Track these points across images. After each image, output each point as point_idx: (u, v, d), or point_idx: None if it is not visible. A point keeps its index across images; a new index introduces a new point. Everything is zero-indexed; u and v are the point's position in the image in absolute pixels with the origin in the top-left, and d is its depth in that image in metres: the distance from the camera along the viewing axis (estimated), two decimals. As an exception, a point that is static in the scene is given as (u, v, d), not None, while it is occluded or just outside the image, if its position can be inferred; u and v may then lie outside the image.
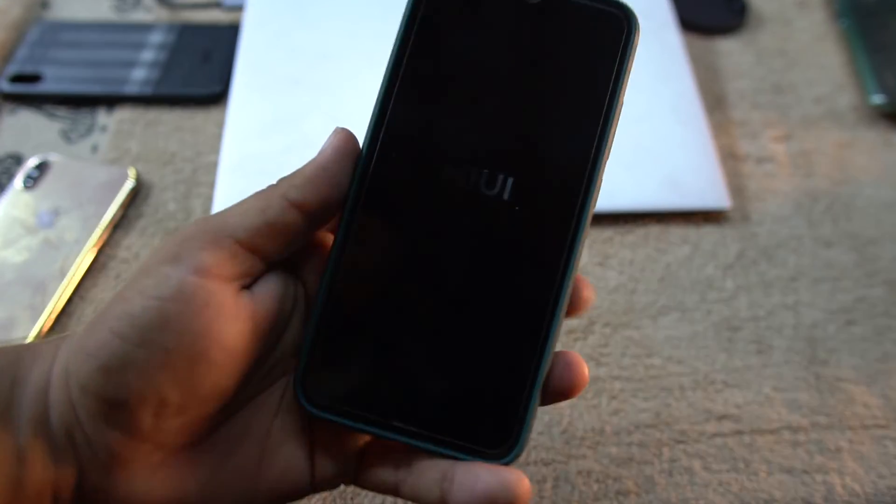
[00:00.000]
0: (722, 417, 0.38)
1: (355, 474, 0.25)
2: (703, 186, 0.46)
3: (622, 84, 0.25)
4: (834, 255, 0.45)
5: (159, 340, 0.21)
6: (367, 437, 0.26)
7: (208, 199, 0.47)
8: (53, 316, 0.41)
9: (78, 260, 0.43)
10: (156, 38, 0.55)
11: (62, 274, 0.42)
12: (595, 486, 0.35)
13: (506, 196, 0.24)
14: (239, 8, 0.58)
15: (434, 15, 0.25)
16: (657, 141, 0.48)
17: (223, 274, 0.22)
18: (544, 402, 0.25)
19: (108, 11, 0.59)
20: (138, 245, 0.45)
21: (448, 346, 0.24)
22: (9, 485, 0.21)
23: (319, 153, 0.25)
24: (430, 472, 0.23)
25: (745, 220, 0.47)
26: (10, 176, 0.48)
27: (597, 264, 0.44)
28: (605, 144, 0.25)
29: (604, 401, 0.38)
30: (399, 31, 0.26)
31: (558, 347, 0.25)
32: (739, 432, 0.37)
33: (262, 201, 0.24)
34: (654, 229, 0.46)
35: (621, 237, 0.46)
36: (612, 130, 0.25)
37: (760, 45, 0.57)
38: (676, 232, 0.46)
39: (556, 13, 0.25)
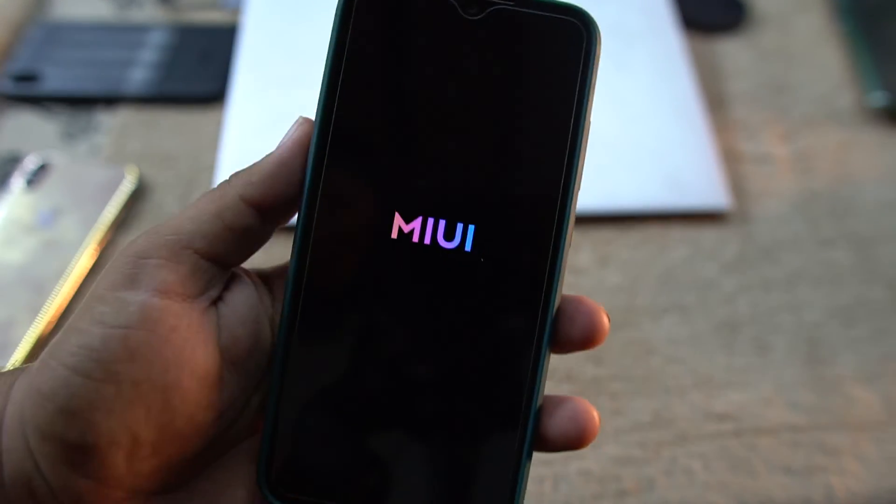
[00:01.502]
0: (722, 417, 0.38)
1: None
2: (703, 186, 0.46)
3: (587, 102, 0.21)
4: (834, 255, 0.45)
5: (127, 373, 0.19)
6: None
7: (208, 199, 0.47)
8: (53, 316, 0.41)
9: (78, 260, 0.43)
10: (156, 38, 0.55)
11: (62, 274, 0.42)
12: (595, 486, 0.35)
13: (468, 247, 0.21)
14: (239, 8, 0.58)
15: (364, 39, 0.21)
16: (657, 141, 0.48)
17: (188, 292, 0.20)
18: (547, 451, 0.22)
19: (108, 11, 0.59)
20: (138, 245, 0.45)
21: (418, 427, 0.21)
22: None
23: (278, 146, 0.22)
24: None
25: (745, 220, 0.47)
26: (10, 176, 0.48)
27: (597, 264, 0.44)
28: (575, 174, 0.21)
29: (604, 401, 0.38)
30: (326, 63, 0.22)
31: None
32: (739, 432, 0.37)
33: (217, 203, 0.21)
34: (654, 229, 0.46)
35: (621, 237, 0.46)
36: (582, 157, 0.21)
37: (760, 45, 0.57)
38: (676, 232, 0.46)
39: (504, 28, 0.21)
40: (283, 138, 0.22)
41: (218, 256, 0.21)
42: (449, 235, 0.21)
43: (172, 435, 0.20)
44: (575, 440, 0.21)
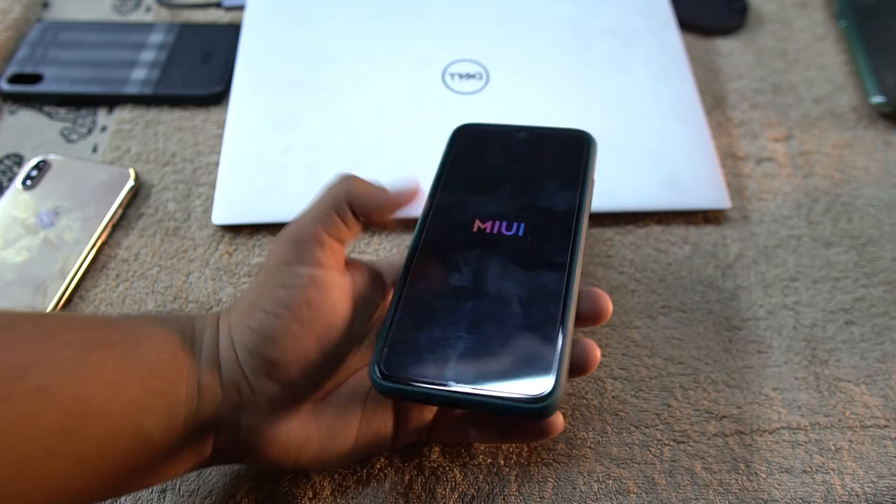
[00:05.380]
0: (722, 417, 0.38)
1: (427, 435, 0.34)
2: (703, 186, 0.46)
3: (591, 167, 0.36)
4: (834, 255, 0.45)
5: (306, 316, 0.29)
6: (435, 410, 0.34)
7: (208, 199, 0.47)
8: (53, 316, 0.41)
9: (78, 260, 0.43)
10: (156, 38, 0.55)
11: (62, 274, 0.42)
12: (595, 487, 0.35)
13: (520, 234, 0.33)
14: (239, 8, 0.58)
15: (462, 146, 0.38)
16: (657, 141, 0.48)
17: (331, 263, 0.30)
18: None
19: (108, 11, 0.59)
20: (138, 245, 0.45)
21: (489, 326, 0.30)
22: (191, 414, 0.28)
23: (397, 191, 0.32)
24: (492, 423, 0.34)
25: (745, 220, 0.47)
26: (10, 176, 0.48)
27: (597, 264, 0.44)
28: (586, 200, 0.34)
29: (604, 401, 0.38)
30: (443, 155, 0.37)
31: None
32: (739, 432, 0.37)
33: (334, 203, 0.30)
34: (654, 229, 0.46)
35: (621, 237, 0.46)
36: (590, 194, 0.35)
37: (760, 45, 0.57)
38: (676, 232, 0.46)
39: (540, 140, 0.37)
40: (401, 189, 0.32)
41: (340, 237, 0.31)
42: (508, 228, 0.34)
43: (328, 357, 0.30)
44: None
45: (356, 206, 0.31)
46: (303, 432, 0.30)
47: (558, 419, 0.33)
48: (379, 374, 0.29)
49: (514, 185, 0.35)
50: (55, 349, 0.26)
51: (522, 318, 0.30)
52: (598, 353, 0.31)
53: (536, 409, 0.27)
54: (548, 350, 0.29)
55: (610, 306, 0.32)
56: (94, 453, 0.26)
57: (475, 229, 0.34)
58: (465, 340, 0.30)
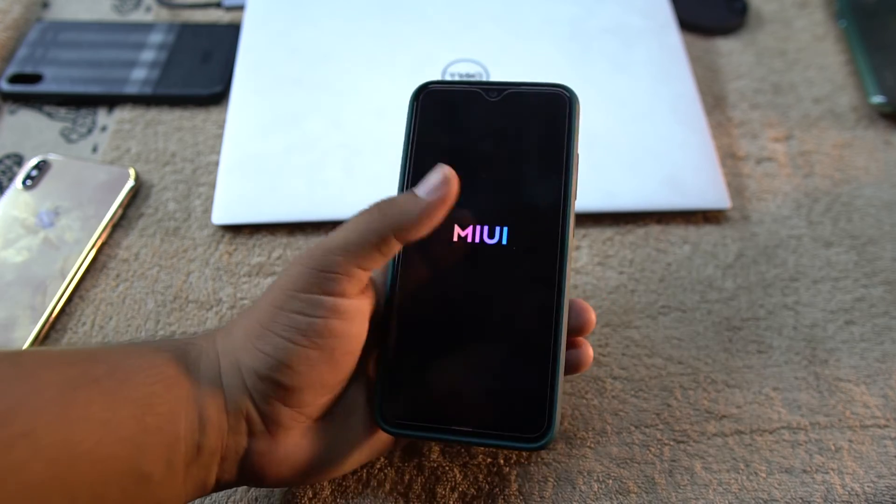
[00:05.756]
0: (722, 417, 0.38)
1: None
2: (703, 186, 0.46)
3: (574, 141, 0.32)
4: (834, 255, 0.45)
5: (327, 344, 0.28)
6: None
7: (208, 199, 0.47)
8: (54, 316, 0.41)
9: (78, 260, 0.43)
10: (156, 38, 0.55)
11: (62, 274, 0.42)
12: (596, 486, 0.35)
13: (504, 242, 0.31)
14: (239, 8, 0.58)
15: (428, 120, 0.33)
16: (657, 141, 0.48)
17: (355, 293, 0.29)
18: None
19: (108, 11, 0.59)
20: (138, 245, 0.45)
21: (485, 364, 0.30)
22: (192, 447, 0.27)
23: (425, 197, 0.29)
24: None
25: (745, 220, 0.47)
26: (10, 176, 0.48)
27: (597, 264, 0.44)
28: (571, 188, 0.31)
29: (604, 401, 0.38)
30: (405, 134, 0.33)
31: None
32: (739, 432, 0.37)
33: (376, 237, 0.28)
34: (654, 229, 0.46)
35: (621, 237, 0.46)
36: (575, 176, 0.31)
37: (760, 45, 0.57)
38: (676, 232, 0.46)
39: (515, 102, 0.32)
40: (430, 192, 0.29)
41: (370, 267, 0.29)
42: (490, 235, 0.31)
43: (341, 380, 0.30)
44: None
45: (397, 233, 0.28)
46: (311, 449, 0.30)
47: None
48: (384, 422, 0.30)
49: (492, 175, 0.32)
50: (35, 391, 0.24)
51: (516, 349, 0.30)
52: (590, 352, 0.32)
53: (536, 446, 0.29)
54: (542, 384, 0.29)
55: (593, 318, 0.32)
56: (89, 501, 0.24)
57: (455, 238, 0.31)
58: (463, 379, 0.30)
